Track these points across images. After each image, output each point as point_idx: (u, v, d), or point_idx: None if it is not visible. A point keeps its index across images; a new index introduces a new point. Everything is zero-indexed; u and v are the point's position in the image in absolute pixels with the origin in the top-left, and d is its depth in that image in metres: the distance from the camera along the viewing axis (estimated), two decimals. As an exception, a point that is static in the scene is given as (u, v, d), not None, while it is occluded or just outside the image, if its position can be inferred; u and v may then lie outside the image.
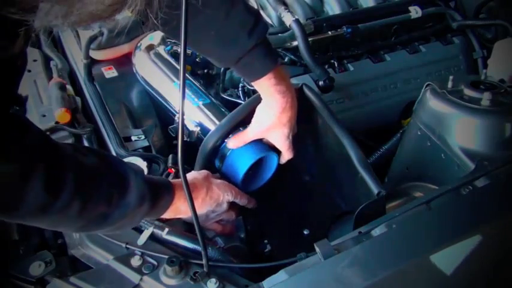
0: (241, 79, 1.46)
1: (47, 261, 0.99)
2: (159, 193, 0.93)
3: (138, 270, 0.95)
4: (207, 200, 1.04)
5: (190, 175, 1.07)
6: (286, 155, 1.18)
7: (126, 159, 1.17)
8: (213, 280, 0.92)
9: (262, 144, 1.17)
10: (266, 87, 1.07)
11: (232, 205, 1.11)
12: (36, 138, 0.77)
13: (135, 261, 0.97)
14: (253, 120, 1.14)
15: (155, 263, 0.97)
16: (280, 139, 1.14)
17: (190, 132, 1.26)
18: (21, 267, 0.98)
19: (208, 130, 1.20)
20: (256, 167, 1.19)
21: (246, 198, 1.13)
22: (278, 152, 1.19)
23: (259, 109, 1.13)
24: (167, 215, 0.98)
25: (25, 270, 0.98)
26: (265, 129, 1.13)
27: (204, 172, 1.08)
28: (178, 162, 0.81)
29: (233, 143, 1.14)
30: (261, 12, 1.68)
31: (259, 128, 1.13)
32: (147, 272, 0.95)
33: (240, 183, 1.13)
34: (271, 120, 1.11)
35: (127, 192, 0.86)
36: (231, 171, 1.15)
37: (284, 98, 1.08)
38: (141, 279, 0.94)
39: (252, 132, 1.14)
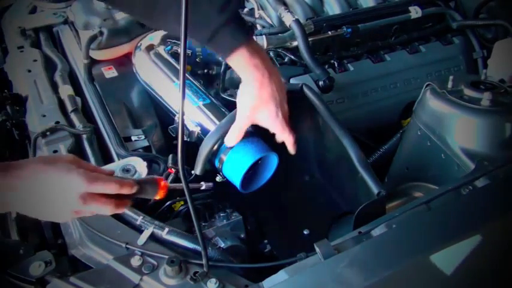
0: (241, 79, 1.46)
1: (47, 261, 0.99)
2: None
3: (138, 270, 0.95)
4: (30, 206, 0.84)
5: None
6: (281, 135, 1.11)
7: (126, 159, 1.17)
8: (213, 280, 0.92)
9: (261, 144, 1.17)
10: (240, 63, 1.04)
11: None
12: None
13: (135, 261, 0.97)
14: (237, 107, 1.11)
15: (155, 263, 0.97)
16: (268, 118, 1.08)
17: (191, 132, 1.26)
18: (21, 267, 0.98)
19: (208, 130, 1.20)
20: (256, 167, 1.19)
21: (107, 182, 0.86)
22: (274, 140, 1.14)
23: (239, 93, 1.09)
24: None
25: (25, 270, 0.97)
26: (249, 111, 1.08)
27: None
28: (178, 163, 0.81)
29: (228, 139, 1.12)
30: (261, 12, 1.68)
31: (244, 112, 1.09)
32: (147, 272, 0.95)
33: (240, 184, 1.13)
34: (252, 98, 1.06)
35: None
36: (231, 171, 1.15)
37: (259, 71, 1.04)
38: (141, 279, 0.94)
39: (240, 121, 1.10)
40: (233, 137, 1.11)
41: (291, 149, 1.12)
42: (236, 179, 1.13)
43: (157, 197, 0.91)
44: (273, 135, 1.15)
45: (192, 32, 0.97)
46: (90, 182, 0.83)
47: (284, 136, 1.11)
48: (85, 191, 0.83)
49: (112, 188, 0.85)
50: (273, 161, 1.19)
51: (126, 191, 0.87)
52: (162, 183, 0.92)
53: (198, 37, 1.04)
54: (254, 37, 1.47)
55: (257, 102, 1.07)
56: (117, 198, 0.87)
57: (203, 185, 1.01)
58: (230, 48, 1.02)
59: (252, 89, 1.06)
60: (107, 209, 0.87)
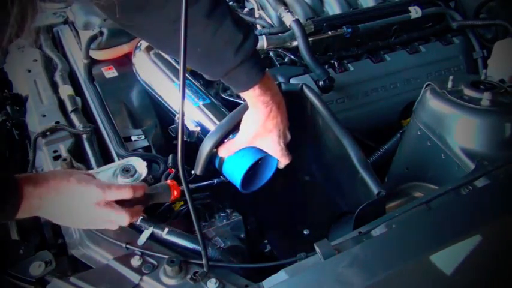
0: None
1: (47, 261, 0.99)
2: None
3: (138, 270, 0.95)
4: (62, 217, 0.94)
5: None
6: (282, 161, 1.17)
7: (126, 159, 1.17)
8: (213, 280, 0.92)
9: None
10: (250, 97, 1.07)
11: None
12: None
13: (135, 261, 0.96)
14: (240, 129, 1.14)
15: (155, 263, 0.97)
16: (271, 145, 1.14)
17: (191, 132, 1.26)
18: (21, 267, 0.98)
19: (209, 130, 1.20)
20: (256, 168, 1.19)
21: (126, 190, 0.95)
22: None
23: (244, 118, 1.13)
24: (20, 216, 0.88)
25: (25, 270, 0.97)
26: (251, 137, 1.13)
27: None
28: (178, 163, 0.81)
29: (222, 152, 1.15)
30: (261, 12, 1.68)
31: (245, 137, 1.13)
32: (147, 272, 0.95)
33: (240, 184, 1.13)
34: (256, 128, 1.11)
35: None
36: (231, 172, 1.15)
37: (267, 107, 1.08)
38: (141, 279, 0.94)
39: (239, 141, 1.14)
40: (227, 151, 1.15)
41: (280, 166, 1.18)
42: (236, 179, 1.13)
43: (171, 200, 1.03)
44: None
45: (206, 69, 1.05)
46: (106, 189, 0.92)
47: (282, 160, 1.17)
48: (102, 199, 0.92)
49: (126, 192, 0.95)
50: (273, 161, 1.19)
51: (139, 193, 0.97)
52: (174, 185, 1.01)
53: (212, 74, 1.06)
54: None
55: (260, 131, 1.11)
56: (132, 207, 0.96)
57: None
58: (244, 86, 1.04)
59: (257, 119, 1.10)
60: (123, 216, 0.95)
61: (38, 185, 0.87)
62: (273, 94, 1.09)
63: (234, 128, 1.17)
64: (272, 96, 1.08)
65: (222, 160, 1.16)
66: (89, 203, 0.91)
